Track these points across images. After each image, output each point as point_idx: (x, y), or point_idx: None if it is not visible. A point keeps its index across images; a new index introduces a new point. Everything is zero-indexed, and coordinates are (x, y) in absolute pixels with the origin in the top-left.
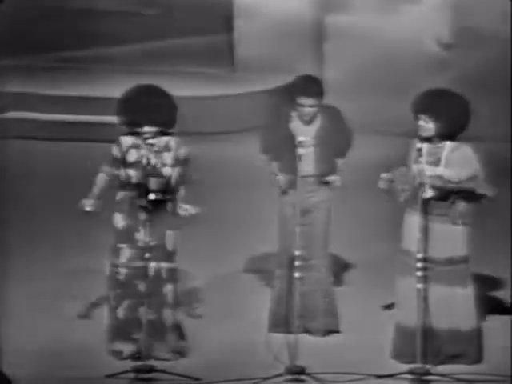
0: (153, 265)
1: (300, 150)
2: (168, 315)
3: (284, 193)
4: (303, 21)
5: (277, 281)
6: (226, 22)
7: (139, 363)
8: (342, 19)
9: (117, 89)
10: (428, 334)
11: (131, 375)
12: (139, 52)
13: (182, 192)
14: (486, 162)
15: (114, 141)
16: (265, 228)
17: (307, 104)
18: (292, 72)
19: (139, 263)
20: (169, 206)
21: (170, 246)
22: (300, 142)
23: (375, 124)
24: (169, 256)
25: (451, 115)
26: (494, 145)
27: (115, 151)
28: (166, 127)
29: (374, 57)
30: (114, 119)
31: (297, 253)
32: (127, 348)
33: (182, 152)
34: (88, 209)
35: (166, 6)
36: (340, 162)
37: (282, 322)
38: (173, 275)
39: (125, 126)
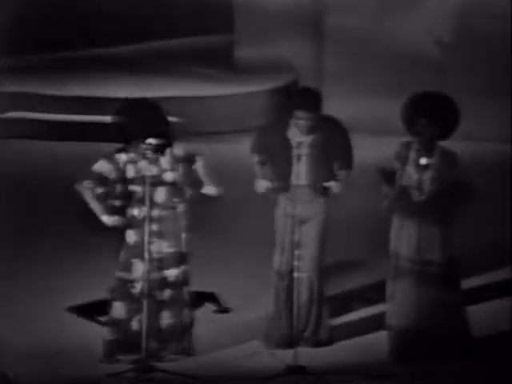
0: (172, 271)
1: (296, 152)
2: (187, 316)
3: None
4: (303, 21)
5: (274, 291)
6: (226, 22)
7: (139, 363)
8: (342, 19)
9: (117, 89)
10: (425, 333)
11: (131, 374)
12: (139, 52)
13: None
14: (486, 163)
15: (114, 140)
16: (265, 229)
17: (303, 117)
18: (292, 72)
19: (156, 275)
20: (179, 210)
21: (184, 249)
22: (299, 143)
23: (375, 124)
24: (184, 258)
25: (449, 117)
26: (494, 145)
27: (104, 168)
28: (165, 138)
29: (374, 57)
30: (114, 120)
31: (288, 263)
32: (130, 357)
33: (181, 152)
34: (116, 223)
35: (166, 6)
36: (344, 173)
37: (277, 334)
38: (187, 277)
39: (124, 140)
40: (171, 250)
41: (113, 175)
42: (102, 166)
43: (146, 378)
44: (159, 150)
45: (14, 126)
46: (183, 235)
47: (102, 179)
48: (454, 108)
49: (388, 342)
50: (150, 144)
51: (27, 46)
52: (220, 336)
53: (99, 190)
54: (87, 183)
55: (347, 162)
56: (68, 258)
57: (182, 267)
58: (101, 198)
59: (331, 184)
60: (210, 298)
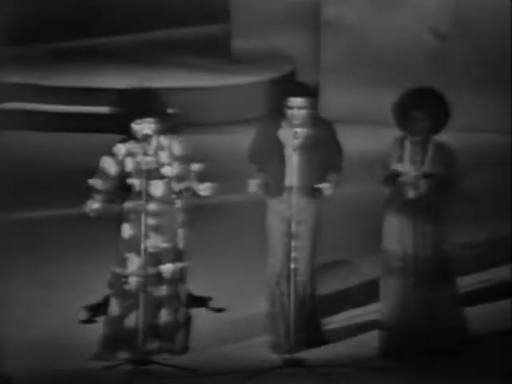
0: (168, 267)
1: (288, 152)
2: (182, 314)
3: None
4: (301, 11)
5: (268, 291)
6: (223, 12)
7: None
8: (340, 9)
9: (115, 80)
10: (416, 332)
11: (129, 367)
12: (137, 43)
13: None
14: (485, 154)
15: (112, 132)
16: (264, 223)
17: (297, 105)
18: (289, 63)
19: (152, 270)
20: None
21: (180, 245)
22: (291, 141)
23: (372, 115)
24: (180, 255)
25: (442, 111)
26: (493, 136)
27: (108, 164)
28: (162, 118)
29: (371, 47)
30: (111, 110)
31: (283, 266)
32: (124, 355)
33: (177, 149)
34: (93, 213)
35: None
36: (334, 176)
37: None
38: (183, 274)
39: (121, 122)
40: (167, 245)
41: (113, 171)
42: (103, 162)
43: (143, 370)
44: (150, 136)
45: (12, 117)
46: (180, 231)
47: (104, 176)
48: (446, 102)
49: (379, 340)
50: (143, 129)
51: (26, 37)
52: (219, 331)
53: (102, 187)
54: (92, 181)
55: (338, 163)
56: (67, 250)
57: (178, 264)
58: (102, 196)
59: (323, 186)
60: (204, 302)
